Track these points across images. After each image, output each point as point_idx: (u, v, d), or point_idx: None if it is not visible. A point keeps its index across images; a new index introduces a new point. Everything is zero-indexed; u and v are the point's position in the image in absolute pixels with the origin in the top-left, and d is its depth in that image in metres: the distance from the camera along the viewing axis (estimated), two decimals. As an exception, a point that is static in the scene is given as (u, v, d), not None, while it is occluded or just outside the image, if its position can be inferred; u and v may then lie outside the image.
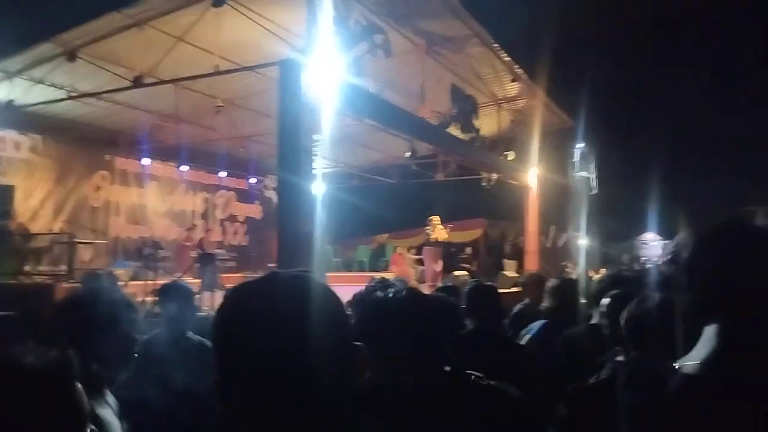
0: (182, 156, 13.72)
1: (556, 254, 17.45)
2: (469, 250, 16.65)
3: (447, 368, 1.75)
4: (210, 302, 9.77)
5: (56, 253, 11.24)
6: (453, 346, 1.86)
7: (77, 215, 12.62)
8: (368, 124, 9.99)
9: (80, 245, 11.38)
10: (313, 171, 6.88)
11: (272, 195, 16.37)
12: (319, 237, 6.61)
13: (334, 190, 10.18)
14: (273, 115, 7.62)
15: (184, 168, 14.30)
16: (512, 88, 13.22)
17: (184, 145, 13.08)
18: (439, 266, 12.87)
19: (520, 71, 12.29)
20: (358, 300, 3.54)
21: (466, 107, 12.17)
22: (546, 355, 3.30)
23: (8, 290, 8.65)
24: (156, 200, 14.57)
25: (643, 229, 22.33)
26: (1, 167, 11.36)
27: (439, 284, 8.31)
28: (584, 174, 14.54)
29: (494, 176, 14.40)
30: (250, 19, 8.73)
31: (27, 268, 10.57)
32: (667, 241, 19.08)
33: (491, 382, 1.76)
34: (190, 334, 3.31)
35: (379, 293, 1.89)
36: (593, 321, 3.17)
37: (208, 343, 2.94)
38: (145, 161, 13.67)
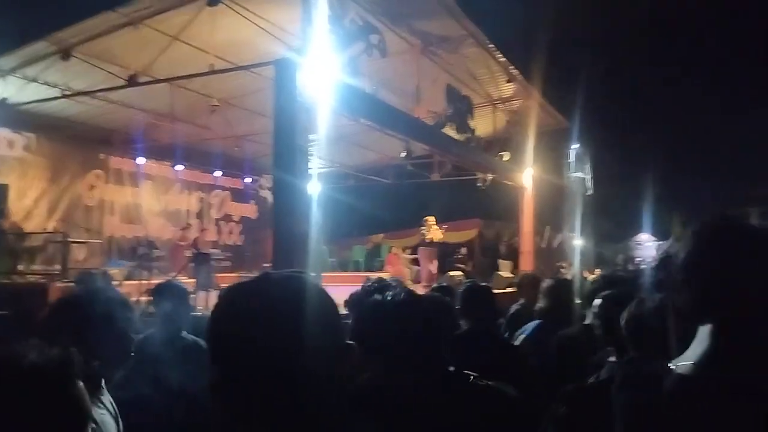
0: (177, 155, 13.72)
1: (551, 255, 17.50)
2: (464, 250, 16.63)
3: (448, 368, 1.76)
4: (205, 302, 9.73)
5: (50, 253, 11.19)
6: (448, 346, 1.86)
7: (71, 214, 12.57)
8: (364, 124, 9.98)
9: (74, 244, 11.31)
10: (309, 171, 6.88)
11: (267, 195, 16.34)
12: (315, 237, 6.62)
13: (329, 190, 10.18)
14: (268, 114, 7.63)
15: (179, 167, 14.29)
16: (507, 89, 13.25)
17: (179, 145, 13.07)
18: (434, 266, 12.87)
19: (515, 72, 12.31)
20: (354, 300, 3.52)
21: (461, 108, 12.19)
22: (540, 355, 3.31)
23: (2, 290, 8.60)
24: (151, 199, 14.53)
25: (637, 230, 22.44)
26: (-6, 166, 11.32)
27: (434, 284, 8.30)
28: (579, 175, 14.59)
29: (489, 177, 14.43)
30: (246, 18, 8.71)
31: (21, 267, 10.50)
32: (661, 242, 19.18)
33: (489, 383, 1.77)
34: (184, 333, 3.32)
35: (377, 296, 1.89)
36: (587, 321, 3.18)
37: (202, 342, 2.96)
38: (140, 160, 13.64)
